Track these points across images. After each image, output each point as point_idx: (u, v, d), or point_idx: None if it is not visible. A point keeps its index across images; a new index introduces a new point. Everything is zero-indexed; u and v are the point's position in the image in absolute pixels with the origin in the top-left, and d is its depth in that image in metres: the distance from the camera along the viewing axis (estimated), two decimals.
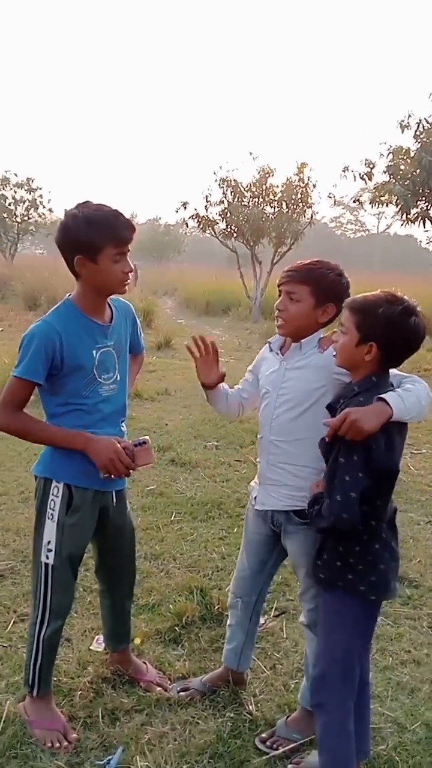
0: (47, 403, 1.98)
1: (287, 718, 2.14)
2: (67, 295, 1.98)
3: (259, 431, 2.09)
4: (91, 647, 2.50)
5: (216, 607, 2.77)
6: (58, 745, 1.99)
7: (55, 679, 2.24)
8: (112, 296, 2.00)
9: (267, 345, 2.12)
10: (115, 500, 2.09)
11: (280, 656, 2.55)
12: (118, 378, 2.02)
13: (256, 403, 2.15)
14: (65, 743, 2.00)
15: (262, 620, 2.78)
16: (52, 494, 1.95)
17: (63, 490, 1.96)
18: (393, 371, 1.77)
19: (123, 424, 2.09)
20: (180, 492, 4.18)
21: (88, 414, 1.95)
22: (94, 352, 1.92)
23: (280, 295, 1.98)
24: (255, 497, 2.13)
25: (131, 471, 1.96)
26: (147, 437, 2.00)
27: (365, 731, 1.92)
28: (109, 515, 2.09)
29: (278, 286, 1.98)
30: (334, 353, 1.80)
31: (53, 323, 1.86)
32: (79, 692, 2.24)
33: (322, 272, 1.90)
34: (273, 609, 2.86)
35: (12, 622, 2.65)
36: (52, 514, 1.96)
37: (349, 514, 1.62)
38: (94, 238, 1.83)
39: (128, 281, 1.92)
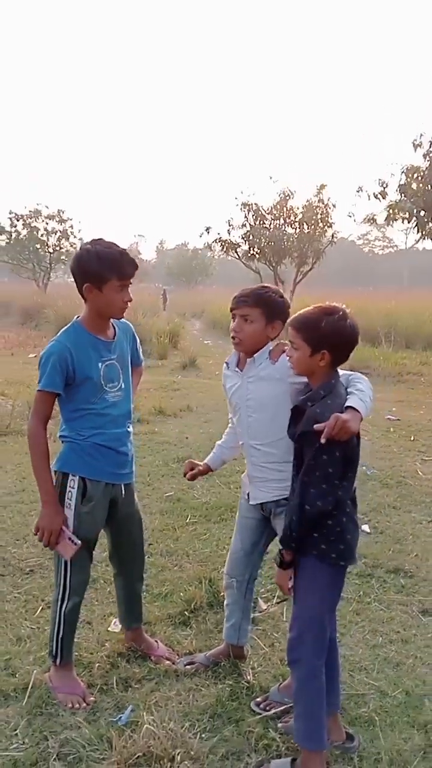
0: (63, 410, 2.34)
1: (280, 684, 2.41)
2: (76, 317, 2.34)
3: (240, 438, 2.41)
4: (108, 629, 2.82)
5: (222, 595, 3.04)
6: (77, 706, 2.30)
7: (76, 654, 2.56)
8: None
9: (225, 365, 2.43)
10: (124, 492, 2.42)
11: (279, 636, 2.82)
12: (123, 386, 2.37)
13: None
14: (84, 705, 2.31)
15: (264, 606, 3.07)
16: (69, 486, 2.29)
17: (78, 483, 2.30)
18: (339, 370, 2.08)
19: (129, 425, 2.43)
20: (196, 498, 4.49)
21: (98, 417, 2.30)
22: (100, 364, 2.28)
23: (234, 319, 2.30)
24: (248, 493, 2.43)
25: (47, 545, 2.29)
26: (80, 543, 2.27)
27: (335, 687, 2.16)
28: (118, 505, 2.42)
29: (231, 311, 2.31)
30: (290, 364, 2.10)
31: (65, 341, 2.23)
32: (97, 664, 2.55)
33: (269, 295, 2.26)
34: (275, 597, 3.13)
35: (40, 608, 2.98)
36: (69, 504, 2.29)
37: (333, 499, 1.92)
38: (102, 271, 2.20)
39: (127, 308, 2.29)
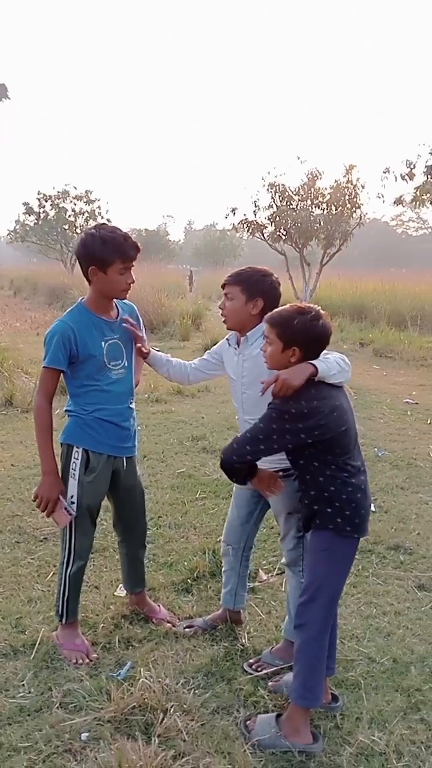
0: (69, 386, 2.47)
1: (272, 648, 2.54)
2: (80, 298, 2.47)
3: (237, 413, 2.53)
4: (115, 593, 2.98)
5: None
6: (81, 661, 2.47)
7: (83, 615, 2.73)
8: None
9: (225, 340, 2.57)
10: (125, 465, 2.56)
11: (276, 604, 2.94)
12: (126, 364, 2.49)
13: (206, 377, 2.67)
14: (86, 660, 2.47)
15: (264, 576, 3.20)
16: (74, 457, 2.44)
17: (82, 454, 2.44)
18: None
19: (131, 402, 2.55)
20: (207, 475, 4.62)
21: (101, 393, 2.43)
22: (103, 343, 2.40)
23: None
24: None
25: (43, 514, 2.44)
26: (74, 514, 2.43)
27: (332, 653, 2.28)
28: (120, 476, 2.56)
29: (222, 288, 2.44)
30: (265, 360, 2.16)
31: (68, 321, 2.36)
32: (102, 625, 2.71)
33: (249, 274, 2.39)
34: (276, 568, 3.25)
35: (51, 573, 3.15)
36: (74, 474, 2.44)
37: (244, 460, 2.07)
38: (106, 254, 2.31)
39: (129, 290, 2.40)
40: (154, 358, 2.65)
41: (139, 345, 2.55)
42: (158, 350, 2.71)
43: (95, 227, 2.39)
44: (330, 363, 2.04)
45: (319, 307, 2.09)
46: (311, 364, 2.01)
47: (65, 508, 2.42)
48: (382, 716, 2.22)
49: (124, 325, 2.48)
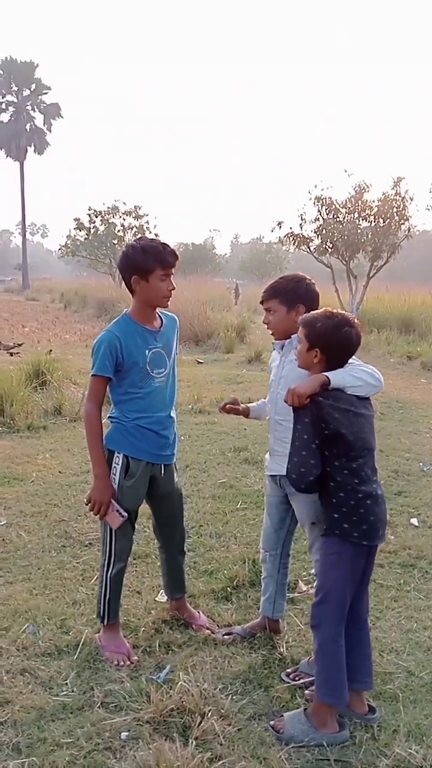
0: (113, 393, 2.57)
1: (310, 658, 2.55)
2: (125, 310, 2.58)
3: (269, 413, 2.59)
4: (156, 598, 3.04)
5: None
6: (122, 663, 2.53)
7: (125, 618, 2.80)
8: (161, 309, 2.56)
9: (273, 344, 2.65)
10: (163, 472, 2.63)
11: None
12: (168, 373, 2.57)
13: None
14: (128, 663, 2.54)
15: (304, 587, 3.21)
16: (114, 462, 2.53)
17: (122, 460, 2.53)
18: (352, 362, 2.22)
19: (172, 410, 2.63)
20: (248, 486, 4.66)
21: (143, 401, 2.52)
22: (147, 351, 2.49)
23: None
24: (267, 465, 2.63)
25: (97, 516, 2.53)
26: (126, 515, 2.52)
27: (367, 665, 2.30)
28: (158, 482, 2.64)
29: (261, 304, 2.56)
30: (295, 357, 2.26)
31: (114, 331, 2.47)
32: (143, 629, 2.78)
33: (283, 285, 2.48)
34: (315, 579, 3.25)
35: (95, 577, 3.23)
36: (114, 478, 2.53)
37: (303, 482, 2.09)
38: (147, 262, 2.42)
39: (170, 297, 2.49)
40: (254, 410, 2.77)
41: (233, 406, 2.70)
42: (250, 404, 2.82)
43: (135, 240, 2.51)
44: (349, 375, 2.11)
45: (355, 317, 2.13)
46: (325, 374, 2.09)
47: (117, 510, 2.50)
48: (419, 729, 2.20)
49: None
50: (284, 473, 2.47)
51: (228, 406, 2.73)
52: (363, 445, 2.13)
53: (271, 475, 2.61)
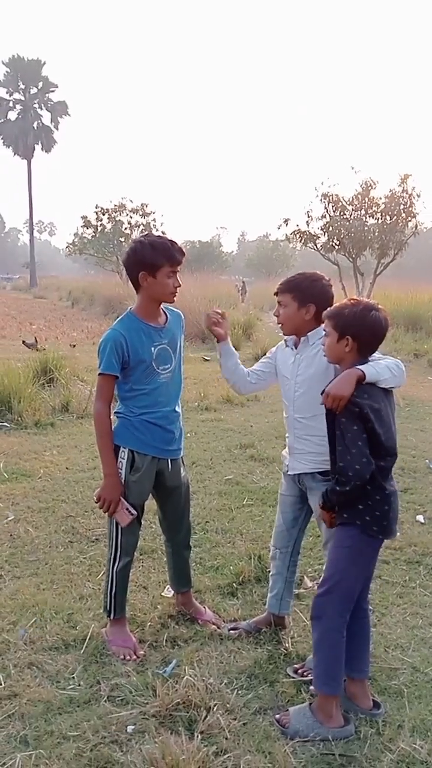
0: (120, 390, 2.58)
1: None
2: (129, 308, 2.59)
3: (285, 412, 2.59)
4: (162, 593, 3.06)
5: (269, 570, 3.22)
6: (128, 658, 2.55)
7: (132, 613, 2.82)
8: (167, 305, 2.57)
9: (283, 342, 2.63)
10: (170, 467, 2.65)
11: None
12: (174, 369, 2.58)
13: (263, 386, 2.69)
14: (134, 657, 2.55)
15: (310, 583, 3.22)
16: (120, 457, 2.55)
17: (128, 454, 2.55)
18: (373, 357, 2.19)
19: (177, 406, 2.65)
20: (254, 482, 4.67)
21: (149, 397, 2.53)
22: (152, 348, 2.51)
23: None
24: (287, 465, 2.60)
25: (106, 513, 2.55)
26: (135, 513, 2.54)
27: (364, 656, 2.31)
28: (165, 477, 2.65)
29: (275, 295, 2.52)
30: (324, 354, 2.23)
31: (120, 329, 2.48)
32: (149, 624, 2.79)
33: (299, 281, 2.45)
34: (321, 575, 3.26)
35: (102, 572, 3.25)
36: (119, 473, 2.54)
37: (366, 472, 2.05)
38: (155, 258, 2.43)
39: (176, 293, 2.50)
40: (229, 355, 2.66)
41: (222, 332, 2.62)
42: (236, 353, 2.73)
43: (143, 236, 2.53)
44: (380, 367, 2.08)
45: (377, 303, 2.13)
46: (359, 369, 2.05)
47: (126, 508, 2.52)
48: (424, 725, 2.21)
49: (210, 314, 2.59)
50: (307, 471, 2.48)
51: (213, 319, 2.63)
52: (393, 444, 2.13)
53: (290, 474, 2.59)
